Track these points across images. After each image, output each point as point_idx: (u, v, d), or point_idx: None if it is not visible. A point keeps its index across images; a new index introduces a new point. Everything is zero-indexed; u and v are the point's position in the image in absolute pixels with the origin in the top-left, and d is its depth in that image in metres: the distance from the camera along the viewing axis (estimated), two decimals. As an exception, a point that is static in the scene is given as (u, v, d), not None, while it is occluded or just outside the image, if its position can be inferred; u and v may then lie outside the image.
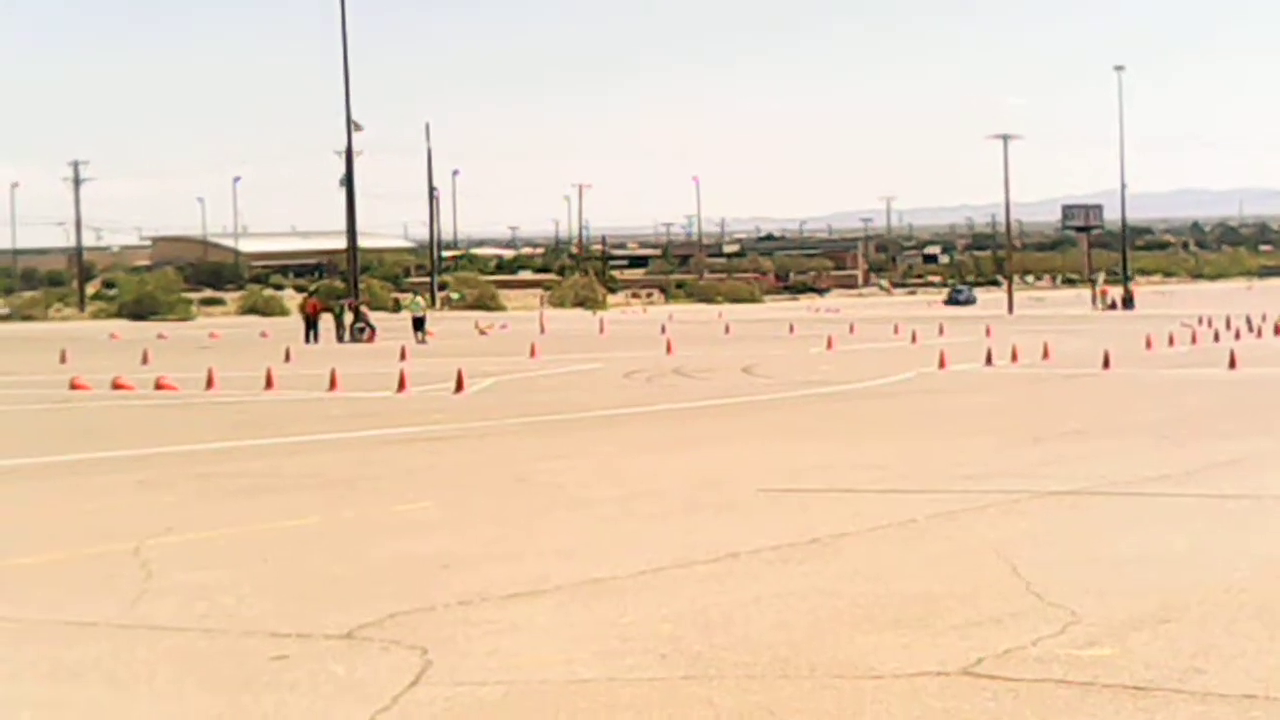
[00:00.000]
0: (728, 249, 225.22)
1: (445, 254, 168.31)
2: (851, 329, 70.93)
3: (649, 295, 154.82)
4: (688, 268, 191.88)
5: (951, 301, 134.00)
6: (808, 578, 12.37)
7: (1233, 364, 39.84)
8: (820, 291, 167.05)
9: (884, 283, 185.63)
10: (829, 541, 14.05)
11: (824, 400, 32.87)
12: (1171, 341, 53.72)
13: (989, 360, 44.11)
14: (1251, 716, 8.49)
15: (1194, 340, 55.96)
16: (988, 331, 62.24)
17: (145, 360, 50.90)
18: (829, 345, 56.36)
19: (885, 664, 9.53)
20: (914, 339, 60.24)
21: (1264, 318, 67.88)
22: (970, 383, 37.46)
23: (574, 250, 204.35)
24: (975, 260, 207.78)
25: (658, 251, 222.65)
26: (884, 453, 21.70)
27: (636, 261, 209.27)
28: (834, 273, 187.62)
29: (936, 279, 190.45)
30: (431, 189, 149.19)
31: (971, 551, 13.48)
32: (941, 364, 42.73)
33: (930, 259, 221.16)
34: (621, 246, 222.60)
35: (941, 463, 20.38)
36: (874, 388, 36.49)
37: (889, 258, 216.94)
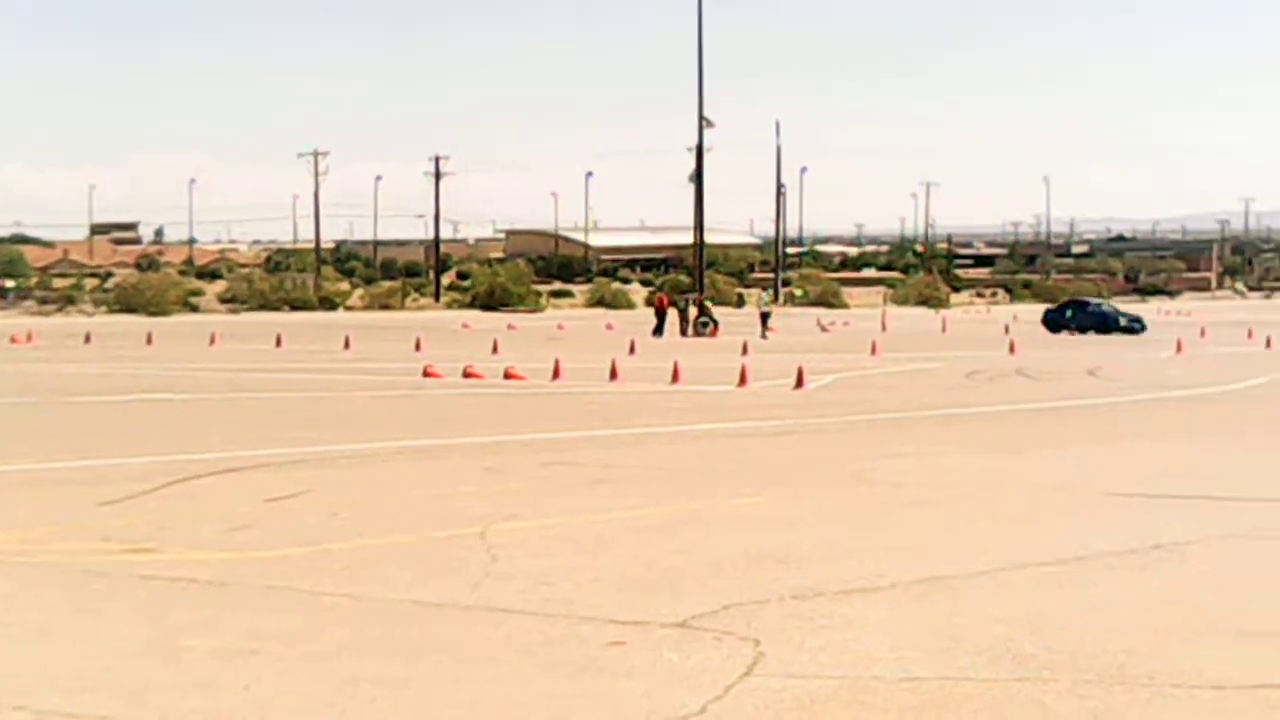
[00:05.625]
0: (1076, 249, 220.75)
1: (789, 250, 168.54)
2: (1203, 333, 69.02)
3: (993, 295, 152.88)
4: (1034, 268, 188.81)
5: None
6: (1150, 584, 12.13)
7: None
8: (1171, 294, 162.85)
9: (1239, 285, 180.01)
10: (1173, 548, 13.74)
11: (1172, 405, 32.07)
12: None
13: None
14: None
15: None
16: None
17: (495, 350, 52.18)
18: (1179, 349, 54.93)
19: (1228, 675, 9.30)
20: (1269, 344, 58.31)
21: None
22: (1329, 390, 36.11)
23: (919, 248, 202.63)
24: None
25: (1004, 251, 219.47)
26: (1234, 459, 21.11)
27: (982, 260, 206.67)
28: (1186, 275, 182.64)
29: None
30: (779, 186, 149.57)
31: (1324, 564, 13.04)
32: (1298, 370, 41.32)
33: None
34: (968, 245, 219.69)
35: (1295, 472, 19.73)
36: (1224, 393, 35.45)
37: (1244, 260, 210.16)
